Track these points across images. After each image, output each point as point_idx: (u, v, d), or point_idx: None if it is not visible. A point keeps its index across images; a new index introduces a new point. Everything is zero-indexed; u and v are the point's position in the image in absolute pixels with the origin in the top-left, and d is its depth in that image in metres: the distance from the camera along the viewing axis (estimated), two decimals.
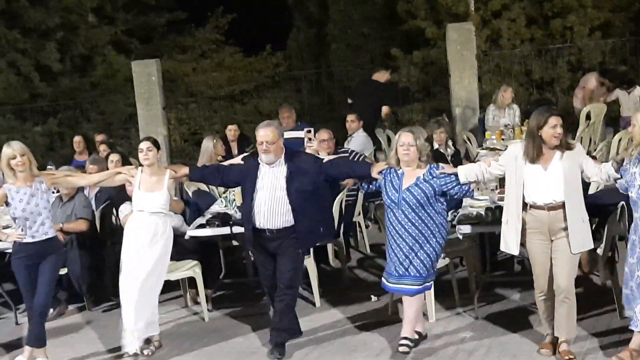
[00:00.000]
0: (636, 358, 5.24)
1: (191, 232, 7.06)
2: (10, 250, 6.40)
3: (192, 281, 7.20)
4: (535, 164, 5.38)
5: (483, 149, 9.89)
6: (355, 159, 8.17)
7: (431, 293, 6.28)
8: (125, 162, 8.31)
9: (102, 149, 10.30)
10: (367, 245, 8.82)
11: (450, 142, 9.14)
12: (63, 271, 7.20)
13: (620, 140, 9.21)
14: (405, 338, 5.80)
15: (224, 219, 7.03)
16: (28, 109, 15.60)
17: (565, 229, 5.32)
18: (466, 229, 6.23)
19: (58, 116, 15.90)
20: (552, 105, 10.11)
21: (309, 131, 8.47)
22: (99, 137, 11.61)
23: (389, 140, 11.30)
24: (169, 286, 6.81)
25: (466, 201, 6.59)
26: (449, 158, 8.56)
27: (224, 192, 8.19)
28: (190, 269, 6.97)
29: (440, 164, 5.89)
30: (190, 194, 8.26)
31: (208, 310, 7.15)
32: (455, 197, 5.98)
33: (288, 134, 8.10)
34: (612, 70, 12.71)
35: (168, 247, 6.26)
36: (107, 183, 6.57)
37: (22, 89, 15.61)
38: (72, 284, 7.63)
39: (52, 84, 16.10)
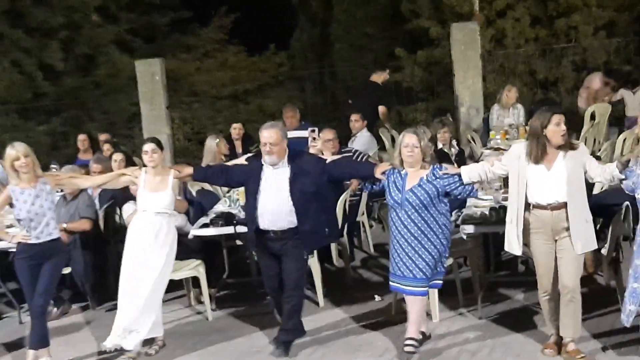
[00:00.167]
0: None
1: (195, 231, 7.06)
2: (14, 249, 6.40)
3: (195, 280, 7.20)
4: (539, 164, 5.37)
5: (487, 148, 9.87)
6: (359, 159, 8.18)
7: (435, 293, 6.28)
8: (128, 161, 8.32)
9: (106, 148, 10.33)
10: (370, 245, 8.82)
11: (454, 142, 9.12)
12: (66, 270, 7.21)
13: (624, 140, 9.20)
14: (411, 338, 5.80)
15: (227, 219, 7.04)
16: (31, 108, 15.60)
17: (569, 229, 5.31)
18: (470, 229, 6.23)
19: (61, 115, 15.92)
20: (555, 105, 10.09)
21: (313, 131, 8.46)
22: (102, 137, 11.63)
23: (393, 140, 11.30)
24: (172, 285, 6.80)
25: (470, 201, 6.59)
26: (453, 158, 8.55)
27: (227, 192, 8.20)
28: (194, 268, 6.98)
29: (444, 165, 5.89)
30: (194, 193, 8.27)
31: (211, 309, 7.16)
32: (459, 197, 5.98)
33: (292, 134, 8.11)
34: (617, 70, 12.70)
35: (173, 247, 6.26)
36: (111, 185, 6.58)
37: (26, 88, 15.61)
38: (76, 283, 7.63)
39: (56, 83, 16.10)
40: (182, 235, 6.79)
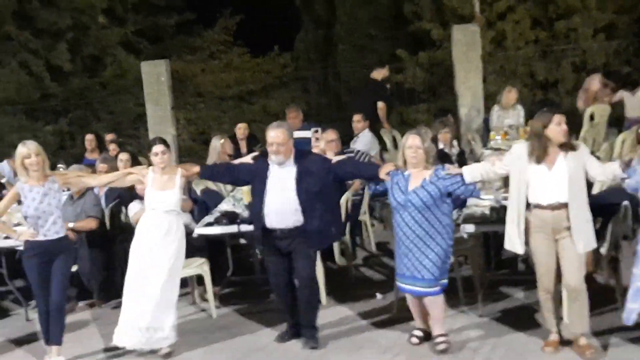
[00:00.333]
0: None
1: (199, 230, 7.11)
2: (20, 247, 6.46)
3: (200, 278, 7.25)
4: (540, 164, 5.40)
5: (487, 149, 9.91)
6: (361, 159, 8.24)
7: None
8: (134, 161, 8.38)
9: (112, 148, 10.39)
10: (372, 243, 8.86)
11: (455, 142, 9.17)
12: (73, 268, 7.26)
13: (623, 141, 9.23)
14: (440, 335, 5.86)
15: (231, 217, 7.09)
16: (39, 108, 15.67)
17: (569, 228, 5.34)
18: (470, 228, 6.26)
19: (68, 116, 16.00)
20: (555, 106, 10.14)
21: (317, 131, 8.52)
22: (108, 137, 11.67)
23: (394, 140, 11.37)
24: None
25: (471, 200, 6.60)
26: (453, 158, 8.61)
27: (231, 191, 8.25)
28: (198, 266, 7.02)
29: (446, 165, 5.92)
30: (198, 192, 8.32)
31: (215, 307, 7.21)
32: (462, 197, 6.03)
33: (295, 134, 8.13)
34: (616, 71, 12.72)
35: (182, 244, 6.30)
36: (118, 183, 6.61)
37: (33, 89, 15.69)
38: (82, 281, 7.69)
39: (63, 84, 16.18)
40: (186, 233, 6.85)
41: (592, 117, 11.01)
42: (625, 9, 13.92)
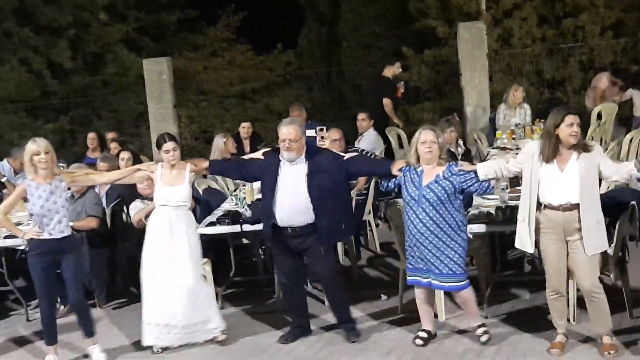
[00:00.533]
0: None
1: (201, 229, 7.05)
2: (21, 247, 6.40)
3: None
4: (551, 163, 5.33)
5: (494, 148, 9.87)
6: None
7: (441, 292, 6.27)
8: (136, 159, 8.35)
9: (113, 146, 10.36)
10: (377, 243, 8.82)
11: (460, 141, 9.12)
12: None
13: (631, 139, 9.18)
14: (480, 326, 5.90)
15: (234, 217, 7.04)
16: (39, 106, 15.68)
17: (580, 230, 5.28)
18: (476, 228, 6.20)
19: (69, 114, 15.99)
20: (562, 104, 10.07)
21: (322, 129, 8.46)
22: (110, 135, 11.66)
23: (399, 139, 11.30)
24: None
25: (476, 200, 6.60)
26: (459, 157, 8.54)
27: (234, 190, 8.21)
28: (201, 266, 6.97)
29: (459, 162, 5.92)
30: (200, 192, 8.28)
31: (218, 307, 7.15)
32: (475, 194, 6.05)
33: None
34: (624, 69, 12.67)
35: (196, 235, 6.33)
36: (127, 180, 6.56)
37: (34, 87, 15.69)
38: (83, 281, 7.65)
39: (64, 82, 16.18)
40: None
41: (599, 116, 10.94)
42: (634, 7, 13.86)
